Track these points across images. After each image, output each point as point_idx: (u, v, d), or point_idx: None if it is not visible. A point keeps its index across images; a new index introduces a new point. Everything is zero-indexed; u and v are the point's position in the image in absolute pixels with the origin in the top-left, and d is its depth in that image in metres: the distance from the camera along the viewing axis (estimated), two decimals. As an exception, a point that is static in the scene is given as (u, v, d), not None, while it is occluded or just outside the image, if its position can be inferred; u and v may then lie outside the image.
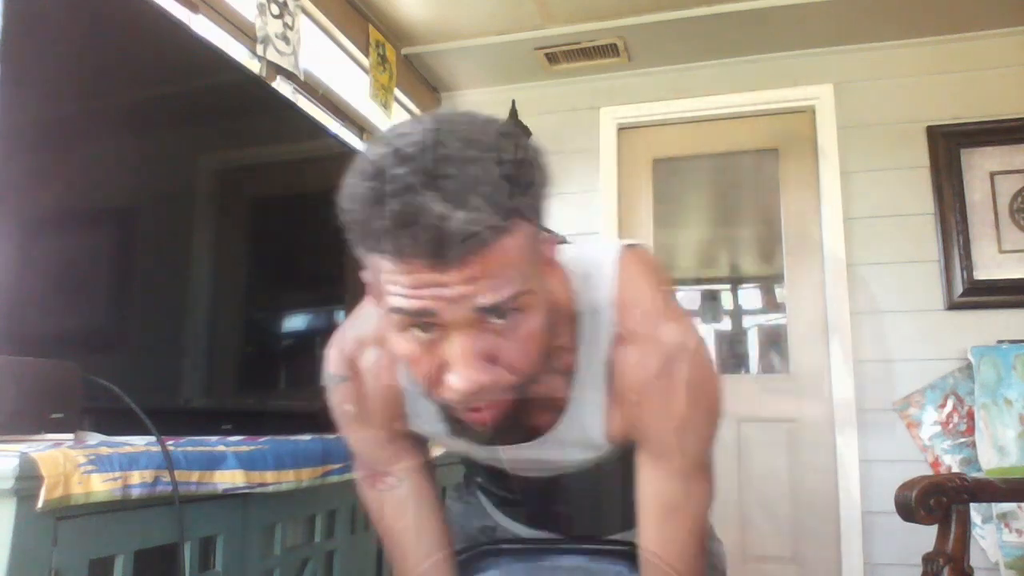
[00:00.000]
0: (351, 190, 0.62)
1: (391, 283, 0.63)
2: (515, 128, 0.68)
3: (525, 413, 0.80)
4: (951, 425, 2.51)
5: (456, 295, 0.61)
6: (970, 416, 2.48)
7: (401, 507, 0.96)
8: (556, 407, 0.85)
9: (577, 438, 0.87)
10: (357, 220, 0.62)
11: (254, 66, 1.99)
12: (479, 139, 0.62)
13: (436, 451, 1.50)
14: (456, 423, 0.75)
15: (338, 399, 0.93)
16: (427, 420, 0.87)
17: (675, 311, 0.84)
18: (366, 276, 0.68)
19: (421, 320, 0.64)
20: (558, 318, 0.77)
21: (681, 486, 0.86)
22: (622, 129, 3.07)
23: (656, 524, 0.87)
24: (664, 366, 0.80)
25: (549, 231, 0.72)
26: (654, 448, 0.86)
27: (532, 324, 0.67)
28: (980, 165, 2.64)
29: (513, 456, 0.94)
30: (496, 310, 0.63)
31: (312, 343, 1.77)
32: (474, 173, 0.59)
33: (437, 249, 0.59)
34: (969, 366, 2.50)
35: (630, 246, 0.85)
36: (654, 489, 0.87)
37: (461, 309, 0.62)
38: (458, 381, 0.64)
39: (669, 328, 0.81)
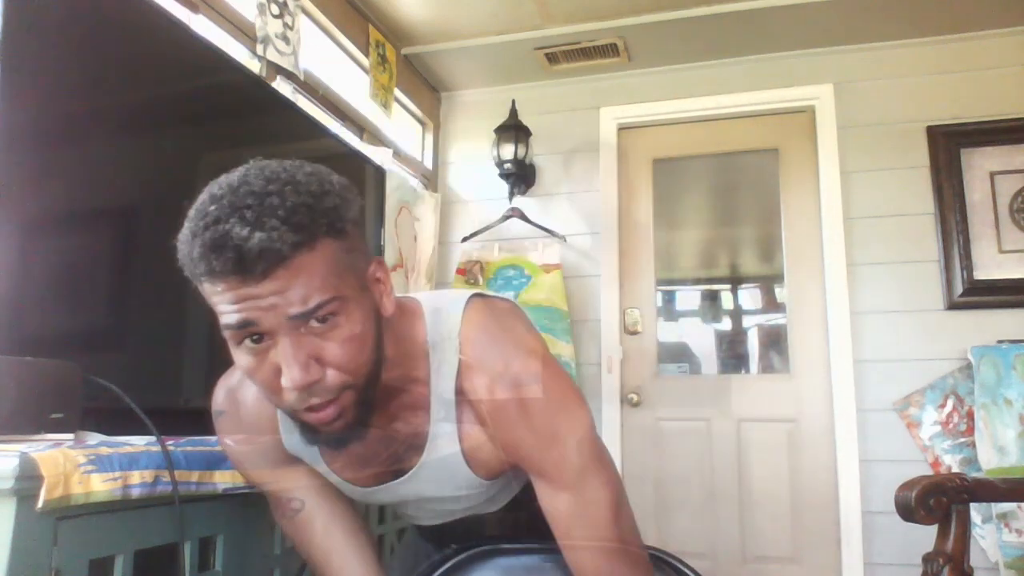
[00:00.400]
0: (182, 237, 0.74)
1: (217, 304, 0.73)
2: (323, 169, 0.78)
3: (390, 446, 0.89)
4: (951, 425, 2.51)
5: (268, 305, 0.71)
6: (970, 416, 2.48)
7: (310, 529, 1.00)
8: (419, 443, 0.90)
9: (443, 473, 0.91)
10: (182, 256, 0.74)
11: (254, 66, 1.99)
12: (281, 176, 0.73)
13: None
14: (306, 428, 0.80)
15: (220, 434, 0.97)
16: (296, 438, 0.91)
17: (515, 338, 0.89)
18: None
19: (247, 331, 0.73)
20: (409, 347, 0.86)
21: (571, 496, 0.87)
22: (622, 129, 3.07)
23: (565, 537, 0.88)
24: (504, 383, 0.84)
25: (374, 255, 0.83)
26: (532, 468, 0.88)
27: (351, 328, 0.75)
28: (980, 165, 2.64)
29: (384, 497, 0.97)
30: (308, 316, 0.72)
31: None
32: (272, 202, 0.70)
33: (241, 266, 0.69)
34: (969, 366, 2.50)
35: (479, 294, 0.91)
36: (549, 506, 0.89)
37: (275, 317, 0.71)
38: (287, 380, 0.73)
39: (506, 350, 0.86)
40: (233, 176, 0.75)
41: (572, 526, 0.88)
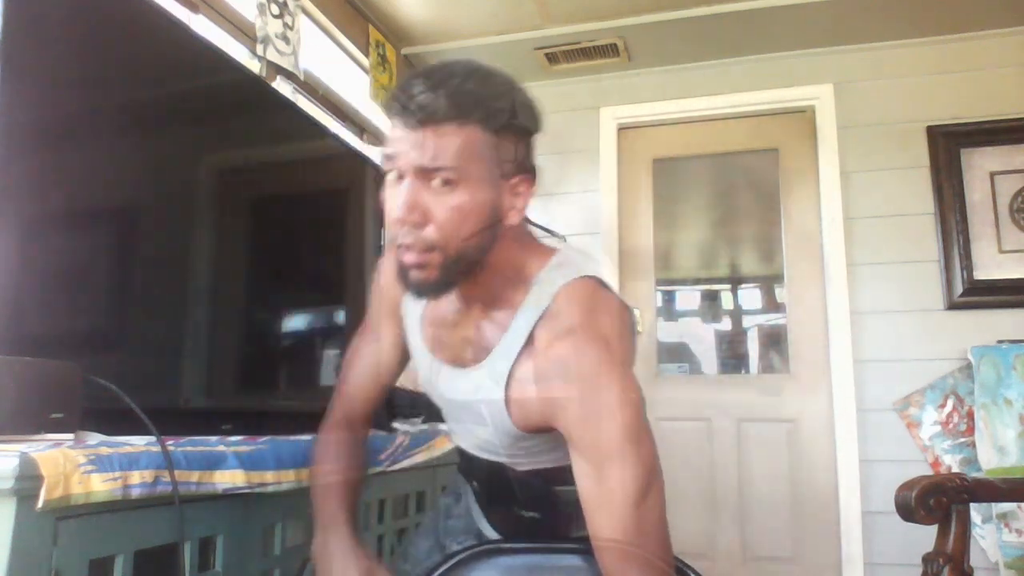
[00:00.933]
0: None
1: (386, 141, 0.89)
2: (521, 89, 0.96)
3: (463, 332, 1.01)
4: (951, 425, 2.52)
5: (408, 149, 0.85)
6: (970, 416, 2.48)
7: (370, 349, 1.19)
8: (483, 355, 0.99)
9: (487, 388, 0.98)
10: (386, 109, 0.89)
11: (254, 66, 1.99)
12: (479, 71, 0.91)
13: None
14: (400, 269, 0.91)
15: (375, 275, 1.19)
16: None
17: (606, 317, 0.94)
18: None
19: (391, 165, 0.88)
20: (518, 271, 0.96)
21: (596, 473, 0.87)
22: (622, 129, 3.07)
23: (593, 517, 0.89)
24: (569, 341, 0.90)
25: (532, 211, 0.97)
26: (567, 434, 0.91)
27: (460, 201, 0.87)
28: (980, 165, 2.64)
29: (449, 383, 1.05)
30: (429, 172, 0.85)
31: (312, 343, 1.77)
32: (453, 82, 0.86)
33: (406, 111, 0.85)
34: (969, 366, 2.50)
35: (599, 279, 0.98)
36: (578, 481, 0.90)
37: (409, 161, 0.86)
38: (394, 210, 0.87)
39: (589, 319, 0.92)
40: (448, 63, 0.91)
41: (592, 507, 0.89)
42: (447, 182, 0.86)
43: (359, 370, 1.20)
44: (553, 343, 0.91)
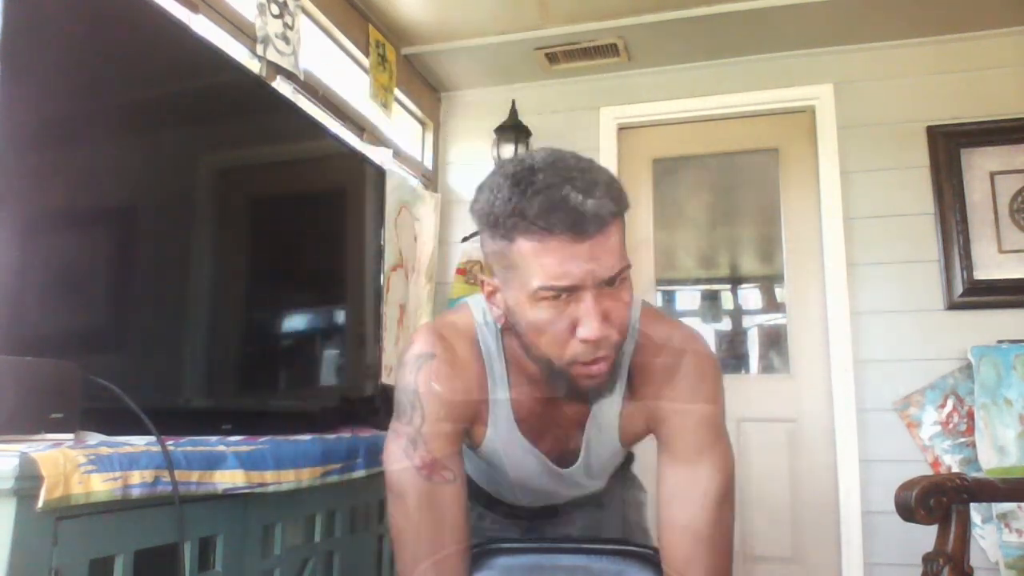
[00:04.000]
0: (497, 195, 0.84)
1: (534, 261, 0.83)
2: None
3: (562, 423, 1.04)
4: (951, 425, 2.51)
5: (588, 265, 0.82)
6: (970, 416, 2.48)
7: (449, 497, 0.98)
8: (582, 420, 1.04)
9: (601, 438, 1.04)
10: (504, 212, 0.83)
11: (254, 66, 1.99)
12: (582, 161, 0.88)
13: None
14: (567, 384, 0.90)
15: (425, 377, 0.98)
16: (500, 395, 1.02)
17: (681, 326, 1.07)
18: (492, 273, 0.91)
19: (563, 290, 0.83)
20: None
21: (689, 467, 0.97)
22: (622, 129, 3.07)
23: (665, 502, 0.98)
24: (673, 361, 0.98)
25: None
26: (667, 437, 1.00)
27: (629, 294, 0.88)
28: (980, 165, 2.64)
29: (560, 480, 1.09)
30: (613, 280, 0.85)
31: (312, 343, 1.77)
32: (592, 177, 0.85)
33: (577, 226, 0.81)
34: (969, 366, 2.50)
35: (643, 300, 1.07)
36: (667, 475, 0.99)
37: (591, 276, 0.82)
38: (588, 332, 0.83)
39: (677, 334, 1.02)
40: (536, 156, 0.87)
41: (675, 500, 0.97)
42: (620, 282, 0.86)
43: (443, 528, 0.98)
44: (658, 362, 0.99)
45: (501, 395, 1.01)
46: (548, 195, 0.81)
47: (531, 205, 0.81)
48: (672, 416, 0.98)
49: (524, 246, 0.83)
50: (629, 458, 1.32)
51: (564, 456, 1.08)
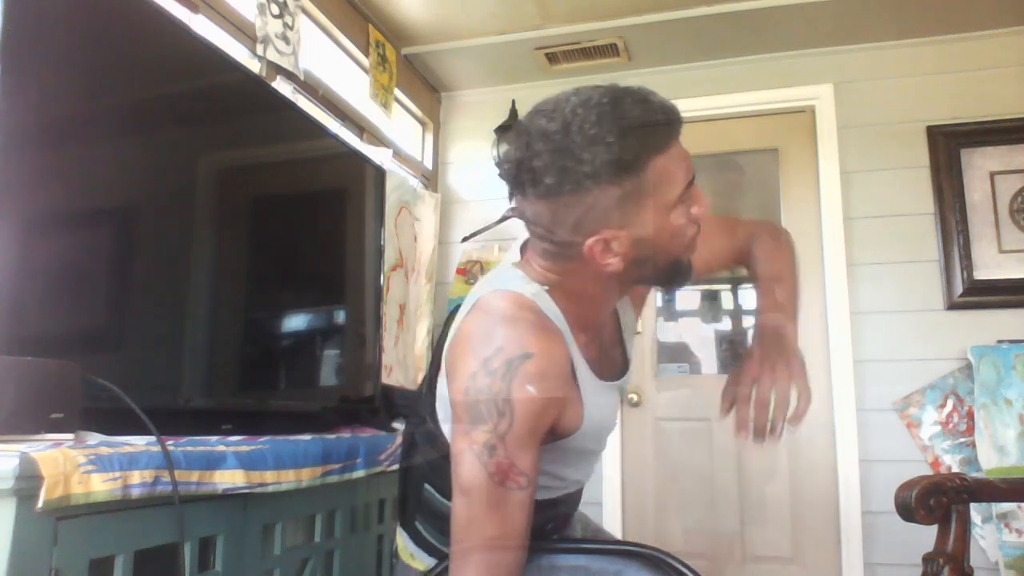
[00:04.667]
0: (609, 118, 0.86)
1: (671, 171, 0.90)
2: None
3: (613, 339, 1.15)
4: (951, 425, 2.51)
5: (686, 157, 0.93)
6: (970, 416, 2.48)
7: (518, 504, 0.92)
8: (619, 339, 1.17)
9: (630, 336, 1.17)
10: (619, 142, 0.85)
11: (254, 66, 1.99)
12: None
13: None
14: (678, 271, 0.99)
15: (520, 381, 0.90)
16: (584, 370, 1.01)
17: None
18: (593, 232, 0.91)
19: (691, 172, 0.93)
20: None
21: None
22: (622, 129, 3.07)
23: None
24: None
25: None
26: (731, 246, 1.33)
27: None
28: (980, 165, 2.64)
29: (613, 402, 1.11)
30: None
31: (312, 343, 1.77)
32: (643, 90, 0.91)
33: (675, 123, 0.91)
34: (969, 366, 2.50)
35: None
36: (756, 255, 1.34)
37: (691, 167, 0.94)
38: (704, 208, 0.95)
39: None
40: (586, 92, 0.90)
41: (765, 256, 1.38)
42: None
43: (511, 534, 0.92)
44: None
45: (580, 363, 0.99)
46: (646, 109, 0.88)
47: (656, 114, 0.89)
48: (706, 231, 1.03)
49: (659, 162, 0.89)
50: None
51: (615, 373, 1.11)
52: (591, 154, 0.85)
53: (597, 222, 0.89)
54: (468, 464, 0.90)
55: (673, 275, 1.01)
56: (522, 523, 0.92)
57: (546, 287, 0.99)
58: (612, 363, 1.11)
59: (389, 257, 2.57)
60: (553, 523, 1.17)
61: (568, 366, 0.97)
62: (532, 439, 0.91)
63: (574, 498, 1.19)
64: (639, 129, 0.86)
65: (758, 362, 1.09)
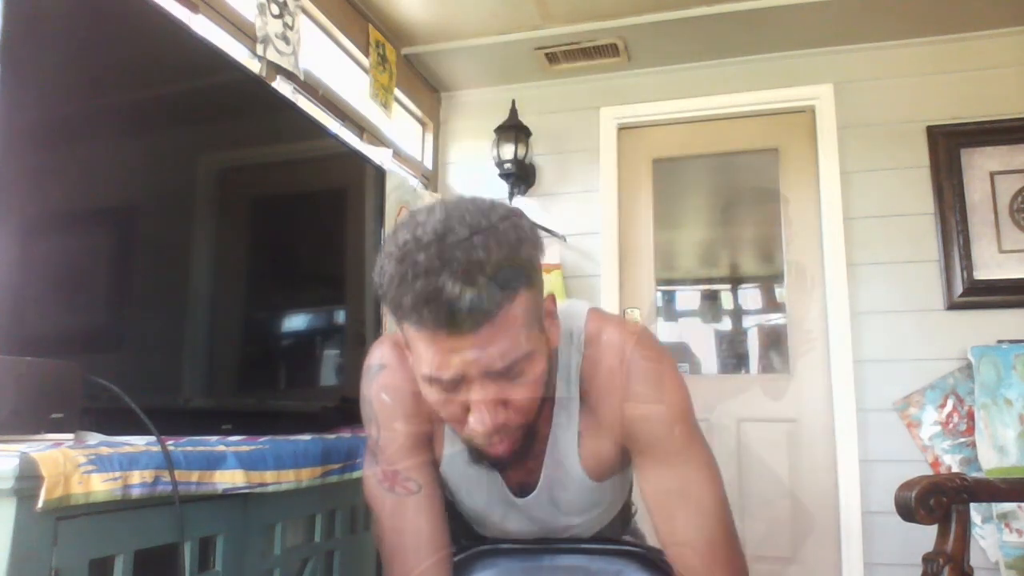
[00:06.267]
0: (383, 270, 0.77)
1: (419, 348, 0.78)
2: (514, 210, 0.83)
3: (523, 458, 0.93)
4: (951, 425, 2.51)
5: (471, 359, 0.75)
6: (970, 416, 2.48)
7: (413, 508, 0.97)
8: (542, 434, 0.95)
9: (558, 473, 0.96)
10: (389, 296, 0.76)
11: (254, 66, 1.99)
12: (482, 225, 0.76)
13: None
14: (476, 453, 0.88)
15: (376, 388, 0.96)
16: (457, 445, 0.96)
17: (627, 325, 0.97)
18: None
19: (444, 377, 0.77)
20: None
21: (676, 471, 0.90)
22: (622, 129, 3.07)
23: (665, 515, 0.90)
24: (625, 365, 0.91)
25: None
26: (642, 446, 0.92)
27: (535, 374, 0.81)
28: (980, 165, 2.64)
29: (522, 514, 1.01)
30: (505, 372, 0.77)
31: (312, 343, 1.77)
32: (479, 256, 0.73)
33: (453, 322, 0.73)
34: (969, 366, 2.50)
35: (590, 306, 0.99)
36: (653, 485, 0.91)
37: (476, 368, 0.76)
38: (478, 424, 0.79)
39: (625, 336, 0.93)
40: (435, 219, 0.77)
41: (672, 499, 0.90)
42: (519, 369, 0.79)
43: (420, 537, 0.96)
44: (608, 370, 0.91)
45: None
46: (424, 285, 0.72)
47: (406, 297, 0.74)
48: (640, 423, 0.90)
49: (408, 331, 0.78)
50: (627, 511, 1.20)
51: (524, 485, 1.00)
52: (379, 270, 0.79)
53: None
54: (364, 473, 0.98)
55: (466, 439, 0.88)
56: (426, 530, 0.95)
57: None
58: (518, 470, 0.98)
59: (389, 257, 2.57)
60: None
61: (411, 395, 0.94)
62: (405, 444, 0.95)
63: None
64: (403, 292, 0.75)
65: None
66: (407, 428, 0.96)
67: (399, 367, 0.95)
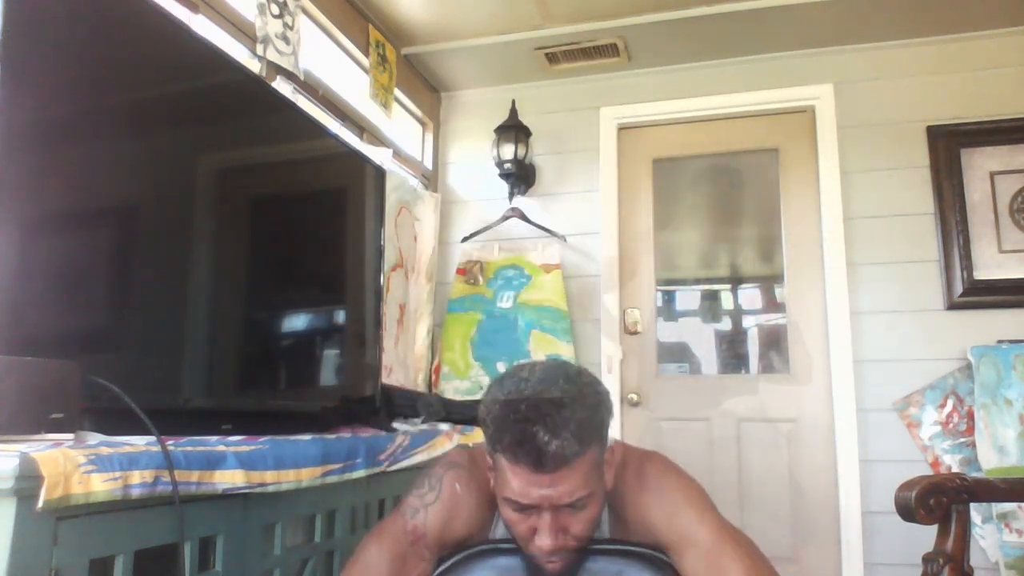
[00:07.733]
0: (490, 410, 1.02)
1: (506, 476, 1.00)
2: (592, 378, 1.07)
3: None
4: (951, 425, 2.51)
5: (547, 493, 0.97)
6: (970, 416, 2.48)
7: (409, 565, 1.11)
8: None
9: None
10: (491, 431, 1.01)
11: (254, 66, 1.99)
12: (571, 391, 1.00)
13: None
14: (535, 567, 1.06)
15: (452, 477, 1.15)
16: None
17: (647, 455, 1.18)
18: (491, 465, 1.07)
19: (525, 502, 0.99)
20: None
21: (711, 563, 1.04)
22: (622, 129, 3.07)
23: None
24: (648, 500, 1.10)
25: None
26: (678, 552, 1.07)
27: (593, 512, 1.03)
28: (980, 165, 2.64)
29: None
30: (574, 504, 0.99)
31: (312, 343, 1.77)
32: (566, 415, 0.97)
33: (539, 463, 0.96)
34: (969, 366, 2.50)
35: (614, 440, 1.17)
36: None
37: (549, 501, 0.98)
38: (544, 544, 1.00)
39: (645, 463, 1.15)
40: (536, 377, 1.02)
41: None
42: (583, 504, 1.00)
43: None
44: (635, 506, 1.11)
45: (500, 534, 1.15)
46: (522, 430, 0.96)
47: (506, 436, 0.97)
48: (680, 550, 1.06)
49: (500, 461, 1.01)
50: None
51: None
52: (489, 406, 1.04)
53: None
54: (394, 515, 1.14)
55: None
56: None
57: None
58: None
59: (389, 257, 2.58)
60: None
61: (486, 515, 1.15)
62: (446, 529, 1.12)
63: None
64: (504, 432, 0.98)
65: None
66: (456, 523, 1.12)
67: (471, 476, 1.14)
